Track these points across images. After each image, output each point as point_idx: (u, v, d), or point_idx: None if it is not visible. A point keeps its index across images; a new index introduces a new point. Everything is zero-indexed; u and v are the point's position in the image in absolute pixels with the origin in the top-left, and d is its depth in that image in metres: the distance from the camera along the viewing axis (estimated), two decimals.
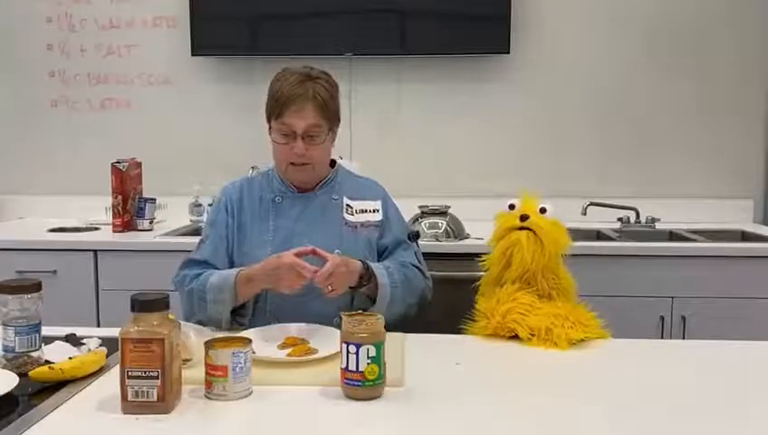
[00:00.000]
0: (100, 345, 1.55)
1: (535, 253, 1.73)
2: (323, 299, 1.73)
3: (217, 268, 1.86)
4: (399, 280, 1.84)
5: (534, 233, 1.75)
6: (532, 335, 1.66)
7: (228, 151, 3.39)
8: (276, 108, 1.82)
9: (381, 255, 1.94)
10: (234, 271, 1.80)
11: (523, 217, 1.75)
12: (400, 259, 1.91)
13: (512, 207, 1.79)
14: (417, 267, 1.94)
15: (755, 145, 3.36)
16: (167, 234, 3.03)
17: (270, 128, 1.87)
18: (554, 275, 1.78)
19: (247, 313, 1.83)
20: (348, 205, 1.91)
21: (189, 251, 1.93)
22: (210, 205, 3.12)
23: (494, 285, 1.82)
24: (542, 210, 1.76)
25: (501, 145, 3.41)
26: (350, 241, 1.87)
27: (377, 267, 1.82)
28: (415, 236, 2.03)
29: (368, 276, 1.79)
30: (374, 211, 1.94)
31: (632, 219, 3.20)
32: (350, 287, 1.77)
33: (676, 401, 1.35)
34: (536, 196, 1.82)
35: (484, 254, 1.87)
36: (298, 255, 1.70)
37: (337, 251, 1.81)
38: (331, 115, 1.85)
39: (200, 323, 1.74)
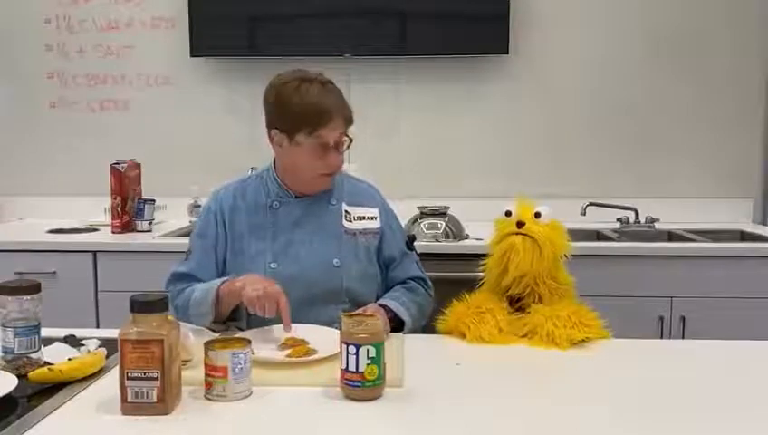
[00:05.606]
0: (100, 346, 1.54)
1: (534, 257, 1.72)
2: (319, 308, 1.73)
3: (203, 281, 1.82)
4: (416, 311, 1.85)
5: (532, 238, 1.74)
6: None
7: (227, 152, 3.38)
8: (311, 121, 1.76)
9: (389, 266, 1.95)
10: (216, 283, 1.76)
11: (520, 224, 1.74)
12: (404, 276, 1.93)
13: (508, 213, 1.78)
14: (421, 279, 1.96)
15: (754, 145, 3.36)
16: (166, 235, 3.03)
17: (289, 138, 1.79)
18: (553, 278, 1.77)
19: (241, 317, 1.81)
20: (346, 211, 1.90)
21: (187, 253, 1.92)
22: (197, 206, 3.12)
23: (492, 289, 1.82)
24: (537, 215, 1.75)
25: (500, 145, 3.41)
26: (349, 248, 1.87)
27: (397, 308, 1.80)
28: (412, 241, 2.03)
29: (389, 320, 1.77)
30: (372, 218, 1.93)
31: (631, 219, 3.20)
32: None
33: (677, 401, 1.35)
34: (530, 200, 1.79)
35: (484, 255, 1.86)
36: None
37: (336, 260, 1.82)
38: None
39: None
